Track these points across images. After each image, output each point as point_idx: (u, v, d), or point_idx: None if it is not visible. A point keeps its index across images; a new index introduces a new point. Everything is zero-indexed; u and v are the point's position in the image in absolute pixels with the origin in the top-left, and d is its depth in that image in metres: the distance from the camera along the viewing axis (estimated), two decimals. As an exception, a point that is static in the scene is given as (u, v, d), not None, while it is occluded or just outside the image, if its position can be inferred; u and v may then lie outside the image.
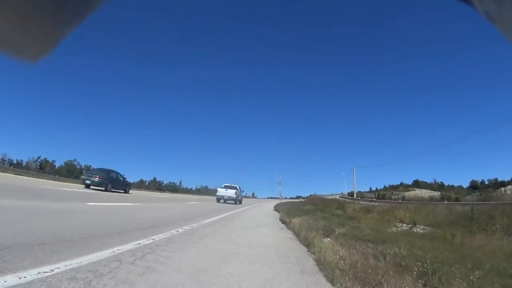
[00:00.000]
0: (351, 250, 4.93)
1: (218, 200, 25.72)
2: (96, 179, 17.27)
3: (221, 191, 26.07)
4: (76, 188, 14.68)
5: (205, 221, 7.97)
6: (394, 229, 14.40)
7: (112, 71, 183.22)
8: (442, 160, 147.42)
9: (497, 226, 11.53)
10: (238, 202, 26.63)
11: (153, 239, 4.35)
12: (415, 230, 14.29)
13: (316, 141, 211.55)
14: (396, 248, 5.77)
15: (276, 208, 20.73)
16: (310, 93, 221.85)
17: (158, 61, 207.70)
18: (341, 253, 4.50)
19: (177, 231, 5.51)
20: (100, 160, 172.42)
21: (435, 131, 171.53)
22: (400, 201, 50.29)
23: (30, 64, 0.35)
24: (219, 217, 9.97)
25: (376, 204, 35.98)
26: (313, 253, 4.80)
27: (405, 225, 15.84)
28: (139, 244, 3.86)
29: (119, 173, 20.55)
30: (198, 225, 7.03)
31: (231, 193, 25.73)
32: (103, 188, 17.46)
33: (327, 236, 7.26)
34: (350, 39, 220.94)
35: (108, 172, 18.98)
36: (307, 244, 5.45)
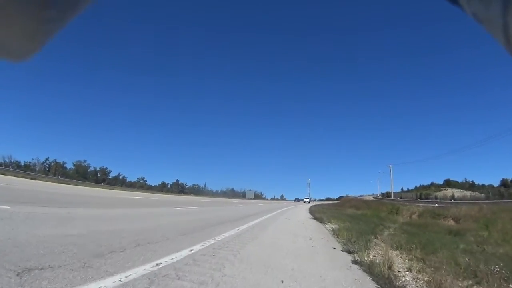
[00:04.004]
0: None
1: (304, 202, 70.25)
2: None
3: (305, 199, 79.56)
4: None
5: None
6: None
7: (136, 76, 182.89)
8: (470, 159, 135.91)
9: None
10: (309, 203, 62.11)
11: None
12: None
13: (343, 143, 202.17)
14: None
15: (315, 215, 13.92)
16: (336, 98, 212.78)
17: (184, 65, 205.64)
18: None
19: None
20: (116, 162, 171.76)
21: (463, 130, 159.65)
22: (455, 201, 42.06)
23: (16, 64, 0.33)
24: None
25: (436, 205, 28.39)
26: None
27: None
28: None
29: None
30: None
31: (308, 200, 78.49)
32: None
33: None
34: (379, 43, 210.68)
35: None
36: None
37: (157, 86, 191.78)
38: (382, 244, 6.01)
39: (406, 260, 4.46)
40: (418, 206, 26.41)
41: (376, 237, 6.72)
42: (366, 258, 4.19)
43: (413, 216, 20.90)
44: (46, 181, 26.14)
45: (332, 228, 8.59)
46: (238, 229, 6.76)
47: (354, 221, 10.31)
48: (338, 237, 6.47)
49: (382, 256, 4.56)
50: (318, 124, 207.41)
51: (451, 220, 19.08)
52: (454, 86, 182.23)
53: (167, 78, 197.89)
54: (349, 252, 4.68)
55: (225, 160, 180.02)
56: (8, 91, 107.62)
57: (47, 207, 6.33)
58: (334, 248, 5.15)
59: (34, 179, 24.87)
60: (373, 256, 4.55)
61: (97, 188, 29.96)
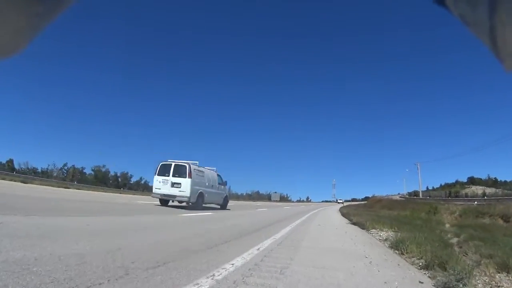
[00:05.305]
0: None
1: (338, 203, 76.84)
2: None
3: (339, 200, 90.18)
4: None
5: None
6: None
7: (157, 82, 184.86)
8: (490, 156, 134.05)
9: None
10: (342, 203, 65.79)
11: None
12: None
13: (367, 143, 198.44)
14: None
15: (351, 219, 11.66)
16: (359, 100, 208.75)
17: (205, 68, 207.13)
18: None
19: None
20: (139, 168, 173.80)
21: (484, 128, 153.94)
22: (488, 198, 39.03)
23: (3, 60, 0.33)
24: None
25: (475, 203, 25.89)
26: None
27: None
28: None
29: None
30: None
31: (341, 201, 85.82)
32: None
33: None
34: (399, 44, 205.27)
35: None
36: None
37: (178, 91, 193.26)
38: (469, 262, 4.42)
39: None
40: (456, 204, 24.11)
41: (453, 250, 5.12)
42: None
43: (455, 216, 18.84)
44: (39, 184, 22.77)
45: (382, 237, 6.94)
46: (258, 249, 4.29)
47: (401, 225, 8.64)
48: (403, 254, 4.80)
49: None
50: (342, 125, 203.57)
51: (499, 219, 17.03)
52: (469, 86, 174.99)
53: (190, 81, 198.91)
54: (447, 289, 2.94)
55: (250, 162, 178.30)
56: (28, 100, 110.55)
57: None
58: (422, 283, 3.14)
59: (25, 182, 22.11)
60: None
61: (102, 193, 25.50)
